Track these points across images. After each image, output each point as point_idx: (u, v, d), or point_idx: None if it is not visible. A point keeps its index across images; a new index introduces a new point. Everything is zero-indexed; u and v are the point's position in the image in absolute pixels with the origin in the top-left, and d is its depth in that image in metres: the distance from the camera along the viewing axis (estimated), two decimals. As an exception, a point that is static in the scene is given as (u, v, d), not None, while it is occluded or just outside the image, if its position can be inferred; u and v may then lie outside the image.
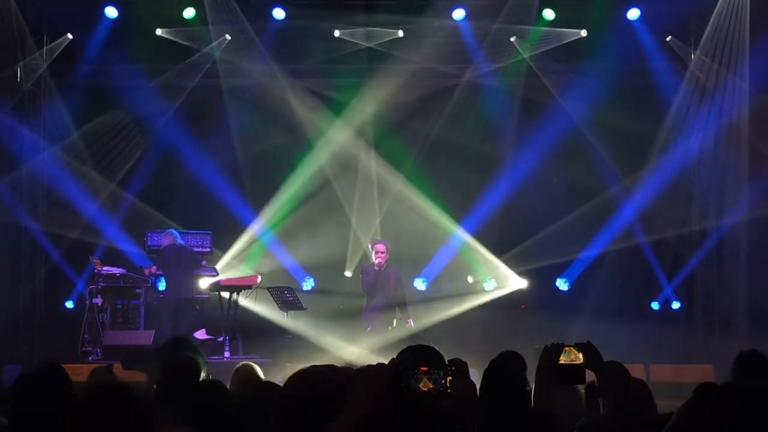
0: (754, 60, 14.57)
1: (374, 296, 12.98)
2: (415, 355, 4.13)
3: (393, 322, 12.89)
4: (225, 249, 15.79)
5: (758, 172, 14.73)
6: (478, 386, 3.44)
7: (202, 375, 5.72)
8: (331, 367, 5.19)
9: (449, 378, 2.63)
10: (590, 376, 4.78)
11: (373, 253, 13.22)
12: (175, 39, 15.62)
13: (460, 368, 2.66)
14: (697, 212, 15.78)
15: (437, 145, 16.18)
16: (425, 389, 2.62)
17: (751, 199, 14.76)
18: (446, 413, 2.74)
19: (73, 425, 3.09)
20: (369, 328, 12.82)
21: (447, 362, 2.68)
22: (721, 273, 15.54)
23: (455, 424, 2.63)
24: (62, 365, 5.03)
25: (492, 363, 4.64)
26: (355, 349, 12.56)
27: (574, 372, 4.73)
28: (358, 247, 15.99)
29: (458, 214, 15.95)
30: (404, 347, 3.35)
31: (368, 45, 15.70)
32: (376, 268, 12.92)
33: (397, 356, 4.41)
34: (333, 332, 14.38)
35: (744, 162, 14.91)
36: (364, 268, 13.40)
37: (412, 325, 12.84)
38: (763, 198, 14.62)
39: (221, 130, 16.03)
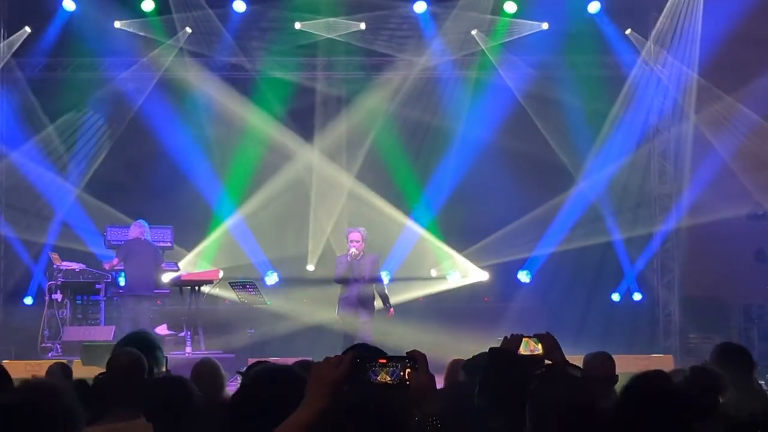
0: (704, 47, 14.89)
1: (347, 287, 12.26)
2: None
3: (364, 315, 12.36)
4: (187, 243, 15.72)
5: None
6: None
7: (162, 370, 5.68)
8: (298, 363, 5.20)
9: (408, 370, 2.62)
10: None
11: (348, 242, 12.45)
12: (134, 31, 15.51)
13: (418, 360, 2.65)
14: (657, 206, 15.94)
15: (395, 136, 16.19)
16: (383, 381, 2.61)
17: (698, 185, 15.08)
18: (405, 406, 2.73)
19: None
20: (339, 320, 12.46)
21: (405, 354, 2.66)
22: (682, 263, 15.71)
23: (414, 417, 2.62)
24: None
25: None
26: None
27: (533, 362, 4.76)
28: (319, 240, 15.95)
29: (414, 206, 15.96)
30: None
31: (329, 36, 15.69)
32: (349, 258, 12.18)
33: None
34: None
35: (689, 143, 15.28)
36: (338, 258, 12.70)
37: (392, 313, 12.36)
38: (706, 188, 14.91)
39: (181, 123, 15.93)
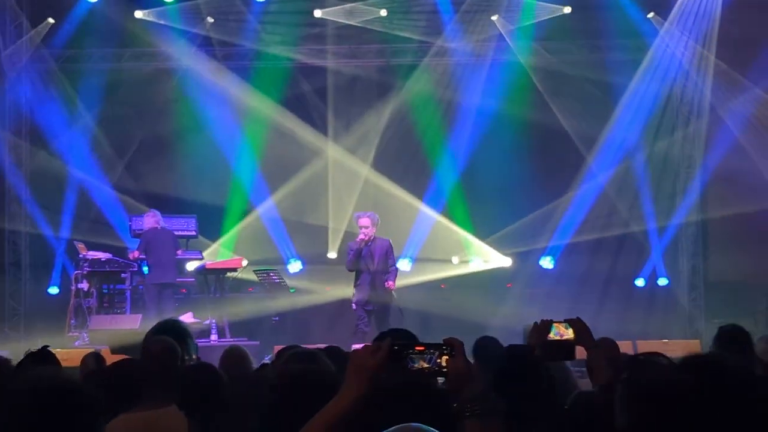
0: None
1: (360, 274, 12.23)
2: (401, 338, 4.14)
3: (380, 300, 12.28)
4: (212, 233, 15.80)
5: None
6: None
7: (194, 357, 5.72)
8: (326, 349, 5.22)
9: (445, 357, 2.63)
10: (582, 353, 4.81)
11: (358, 228, 12.39)
12: (155, 20, 15.56)
13: (455, 347, 2.66)
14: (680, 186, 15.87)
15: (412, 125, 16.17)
16: (421, 368, 2.62)
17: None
18: (443, 392, 2.74)
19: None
20: (354, 307, 12.39)
21: (442, 341, 2.67)
22: (705, 247, 15.65)
23: (453, 403, 2.63)
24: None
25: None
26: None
27: (563, 348, 4.76)
28: (338, 228, 15.99)
29: (430, 191, 15.98)
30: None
31: (349, 23, 15.66)
32: (361, 245, 12.07)
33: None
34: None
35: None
36: (348, 244, 12.59)
37: (393, 287, 12.14)
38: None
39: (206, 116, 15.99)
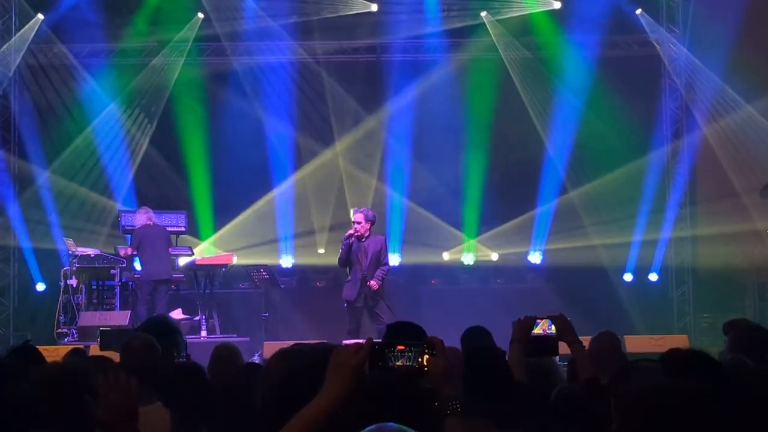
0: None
1: (351, 270, 12.01)
2: (397, 333, 4.16)
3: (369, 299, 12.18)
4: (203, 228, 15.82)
5: None
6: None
7: (182, 354, 5.74)
8: (313, 345, 5.24)
9: (426, 356, 2.66)
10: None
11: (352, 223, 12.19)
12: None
13: (436, 346, 2.69)
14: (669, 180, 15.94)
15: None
16: (402, 367, 2.65)
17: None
18: (424, 391, 2.77)
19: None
20: (345, 304, 12.30)
21: (423, 340, 2.70)
22: (694, 242, 15.71)
23: (434, 402, 2.66)
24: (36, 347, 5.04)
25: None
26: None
27: (546, 344, 4.81)
28: (323, 223, 16.01)
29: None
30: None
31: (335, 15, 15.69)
32: (350, 240, 11.90)
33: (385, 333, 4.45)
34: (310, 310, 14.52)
35: None
36: (342, 239, 12.26)
37: (375, 286, 11.84)
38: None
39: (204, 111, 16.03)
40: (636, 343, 12.12)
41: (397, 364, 2.64)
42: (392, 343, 2.67)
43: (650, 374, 3.64)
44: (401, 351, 2.65)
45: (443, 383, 2.65)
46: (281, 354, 2.97)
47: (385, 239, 12.47)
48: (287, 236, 16.09)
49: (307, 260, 16.12)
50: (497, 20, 15.78)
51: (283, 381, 2.80)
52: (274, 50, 16.04)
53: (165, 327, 5.67)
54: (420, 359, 2.65)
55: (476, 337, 6.19)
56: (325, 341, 6.64)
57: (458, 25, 15.88)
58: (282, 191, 16.12)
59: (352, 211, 12.40)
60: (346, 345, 2.65)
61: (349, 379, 2.56)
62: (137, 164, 16.05)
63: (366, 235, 11.95)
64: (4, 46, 15.39)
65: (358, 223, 11.93)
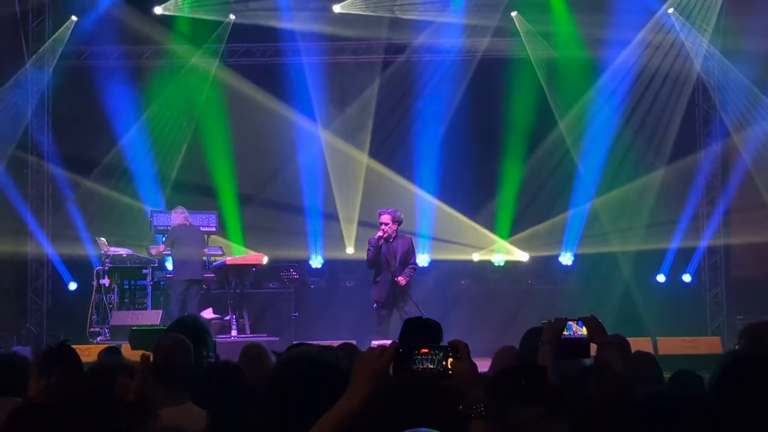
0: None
1: (380, 272, 12.01)
2: (416, 332, 4.14)
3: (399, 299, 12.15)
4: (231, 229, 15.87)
5: None
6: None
7: (210, 354, 5.75)
8: (334, 347, 5.23)
9: (450, 359, 2.65)
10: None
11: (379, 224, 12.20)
12: (175, 14, 15.67)
13: (460, 350, 2.68)
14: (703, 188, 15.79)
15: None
16: (426, 370, 2.65)
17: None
18: (448, 395, 2.76)
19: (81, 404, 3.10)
20: (374, 305, 12.28)
21: (447, 344, 2.70)
22: (727, 244, 15.57)
23: (458, 405, 2.65)
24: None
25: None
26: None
27: (577, 346, 4.76)
28: (350, 222, 16.02)
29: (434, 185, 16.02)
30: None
31: (368, 14, 15.67)
32: (378, 241, 11.87)
33: (401, 331, 4.44)
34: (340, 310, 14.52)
35: None
36: (369, 240, 12.31)
37: (403, 282, 11.85)
38: None
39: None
40: (668, 345, 12.05)
41: (421, 367, 2.64)
42: (417, 346, 2.67)
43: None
44: (425, 354, 2.65)
45: (467, 386, 2.64)
46: (296, 356, 2.97)
47: (412, 239, 12.46)
48: (317, 235, 16.10)
49: (337, 260, 16.12)
50: (526, 20, 15.73)
51: (299, 384, 2.80)
52: (302, 50, 16.03)
53: (194, 327, 5.67)
54: (444, 362, 2.65)
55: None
56: (353, 341, 6.67)
57: (487, 23, 15.80)
58: (312, 190, 16.12)
59: (378, 212, 12.40)
60: (371, 348, 2.65)
61: (373, 382, 2.56)
62: (171, 166, 16.12)
63: (394, 235, 11.95)
64: (40, 49, 15.53)
65: (386, 224, 11.93)
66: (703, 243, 15.51)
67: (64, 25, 15.62)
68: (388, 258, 11.89)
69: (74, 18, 15.60)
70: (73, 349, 5.28)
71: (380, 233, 11.90)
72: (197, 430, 4.36)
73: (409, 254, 12.10)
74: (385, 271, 11.92)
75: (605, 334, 4.79)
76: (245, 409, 4.58)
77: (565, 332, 4.78)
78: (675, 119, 15.63)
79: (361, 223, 15.66)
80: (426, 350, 2.66)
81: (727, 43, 15.12)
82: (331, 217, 16.07)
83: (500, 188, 15.94)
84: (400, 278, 11.87)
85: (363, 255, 12.70)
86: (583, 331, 4.79)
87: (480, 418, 2.61)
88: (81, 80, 15.77)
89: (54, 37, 15.62)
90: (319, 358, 2.91)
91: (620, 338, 5.48)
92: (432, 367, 2.64)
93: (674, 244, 15.48)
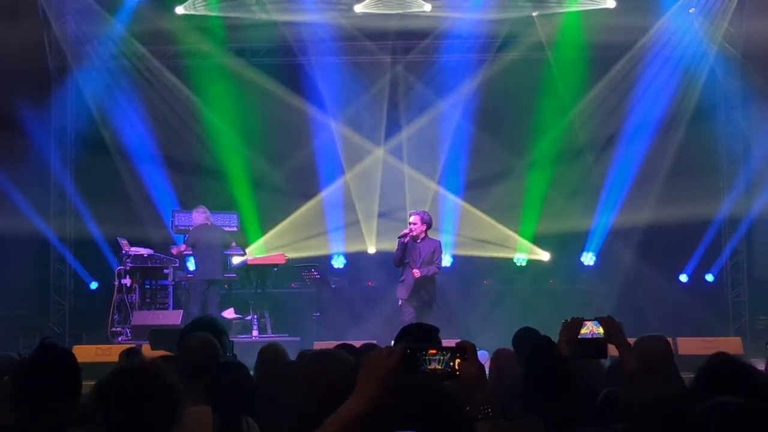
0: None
1: (404, 271, 11.95)
2: (414, 339, 4.15)
3: (421, 300, 12.14)
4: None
5: None
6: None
7: (227, 355, 5.76)
8: (349, 348, 5.24)
9: (458, 360, 2.66)
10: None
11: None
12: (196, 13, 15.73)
13: (468, 350, 2.68)
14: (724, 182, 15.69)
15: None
16: (434, 371, 2.65)
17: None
18: (455, 395, 2.76)
19: (102, 407, 3.12)
20: (399, 303, 12.29)
21: (455, 345, 2.70)
22: (749, 244, 15.47)
23: (465, 406, 2.65)
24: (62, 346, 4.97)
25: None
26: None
27: (594, 346, 4.75)
28: (370, 222, 16.02)
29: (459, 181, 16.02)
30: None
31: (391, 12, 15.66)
32: (405, 239, 11.85)
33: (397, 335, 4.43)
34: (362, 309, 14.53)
35: None
36: (398, 238, 12.20)
37: (418, 274, 11.72)
38: None
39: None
40: (688, 345, 11.98)
41: (429, 368, 2.64)
42: (424, 347, 2.67)
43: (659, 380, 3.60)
44: (433, 355, 2.65)
45: (475, 387, 2.64)
46: (311, 356, 2.98)
47: (440, 243, 12.44)
48: (338, 237, 16.11)
49: (359, 260, 16.13)
50: (548, 18, 15.67)
51: (312, 383, 2.81)
52: (323, 49, 16.04)
53: (211, 327, 5.68)
54: (452, 363, 2.65)
55: (528, 338, 6.13)
56: (374, 342, 6.67)
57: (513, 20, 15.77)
58: (332, 190, 16.14)
59: (409, 213, 12.43)
60: (379, 348, 2.66)
61: (381, 383, 2.56)
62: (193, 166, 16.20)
63: (421, 236, 11.96)
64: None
65: (414, 224, 11.96)
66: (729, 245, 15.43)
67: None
68: (413, 257, 11.91)
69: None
70: (60, 348, 5.24)
71: (406, 230, 11.95)
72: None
73: (435, 256, 12.06)
74: (409, 271, 11.93)
75: (622, 334, 4.77)
76: (252, 411, 4.58)
77: (581, 331, 4.77)
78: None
79: (381, 220, 15.69)
80: (434, 351, 2.66)
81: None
82: (352, 216, 16.07)
83: (526, 190, 15.90)
84: (415, 270, 11.87)
85: (385, 254, 12.73)
86: (600, 331, 4.78)
87: (487, 419, 2.61)
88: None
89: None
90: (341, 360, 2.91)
91: (648, 339, 5.46)
92: (440, 368, 2.64)
93: (698, 244, 15.41)
